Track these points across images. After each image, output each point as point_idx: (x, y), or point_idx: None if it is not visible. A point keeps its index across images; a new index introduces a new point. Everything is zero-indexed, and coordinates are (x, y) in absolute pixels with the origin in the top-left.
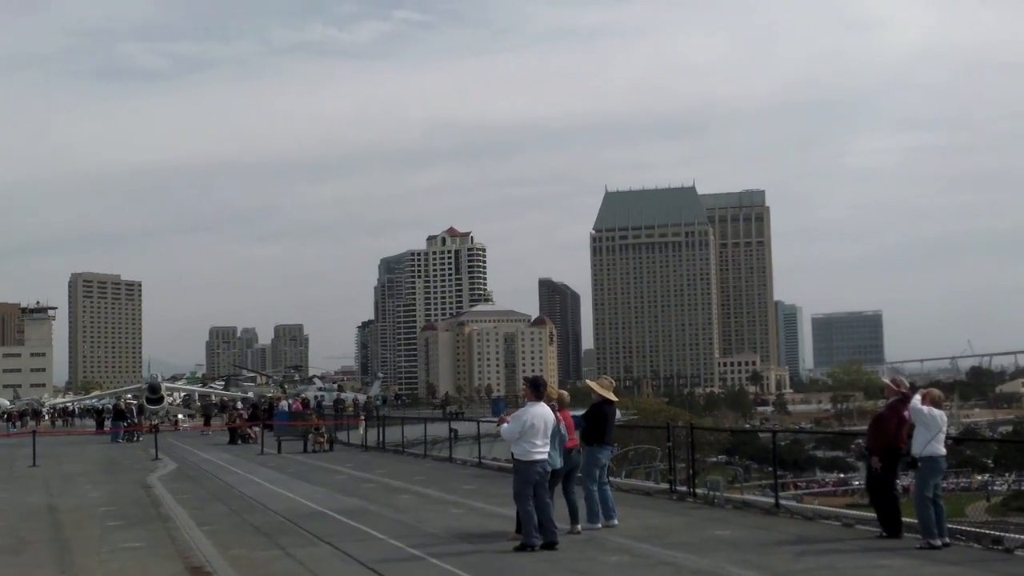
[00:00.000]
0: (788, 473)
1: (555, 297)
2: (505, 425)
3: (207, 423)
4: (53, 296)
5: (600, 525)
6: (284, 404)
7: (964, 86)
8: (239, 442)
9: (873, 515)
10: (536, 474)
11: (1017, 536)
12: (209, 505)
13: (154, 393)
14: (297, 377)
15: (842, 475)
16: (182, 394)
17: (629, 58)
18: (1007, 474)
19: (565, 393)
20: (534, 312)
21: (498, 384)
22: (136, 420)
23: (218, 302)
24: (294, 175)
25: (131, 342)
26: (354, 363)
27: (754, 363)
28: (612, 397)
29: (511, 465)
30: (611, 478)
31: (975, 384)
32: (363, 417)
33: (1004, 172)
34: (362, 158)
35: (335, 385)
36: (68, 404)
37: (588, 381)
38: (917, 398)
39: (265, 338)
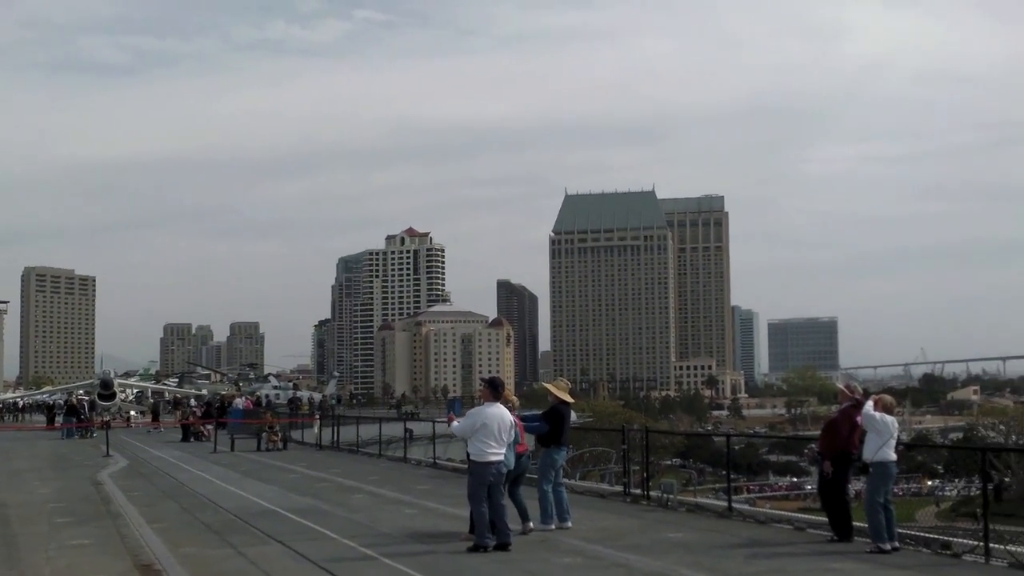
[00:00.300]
0: (741, 477)
1: (513, 299)
2: (456, 423)
3: (155, 419)
4: (5, 290)
5: (553, 526)
6: (238, 402)
7: (920, 97)
8: (192, 440)
9: (824, 519)
10: (491, 475)
11: (965, 541)
12: (160, 503)
13: (106, 389)
14: (252, 375)
15: (795, 479)
16: (135, 391)
17: (591, 62)
18: (957, 480)
19: (515, 398)
20: (492, 313)
21: (454, 385)
22: (88, 416)
23: (173, 299)
24: (253, 173)
25: (84, 338)
26: (310, 362)
27: (710, 367)
28: (568, 399)
29: (466, 466)
30: (565, 480)
31: (927, 391)
32: (318, 416)
33: (959, 183)
34: (321, 157)
35: (291, 384)
36: (17, 399)
37: (544, 383)
38: (869, 404)
39: (220, 335)
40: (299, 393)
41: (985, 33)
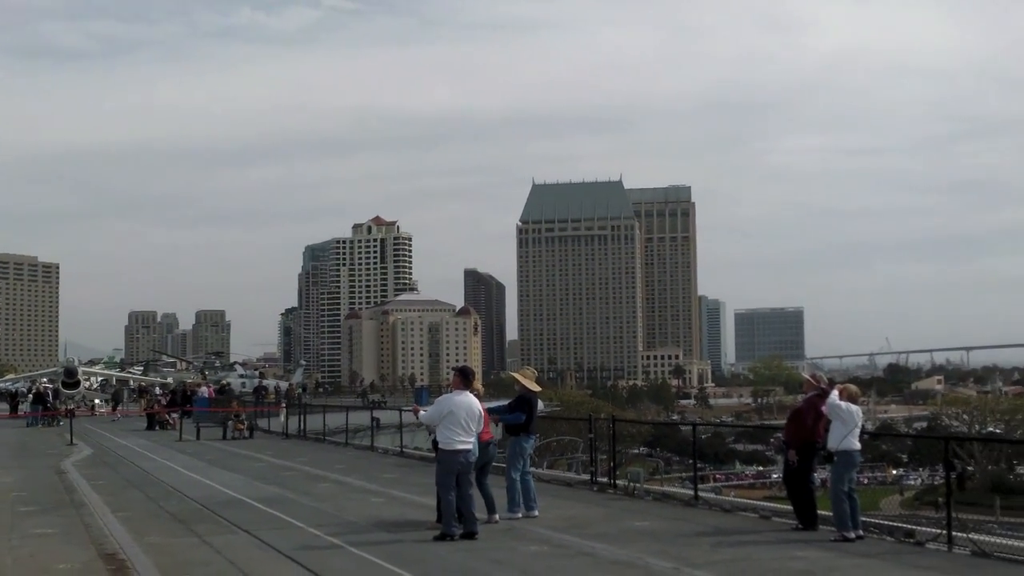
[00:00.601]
0: (708, 466)
1: (480, 288)
2: (423, 412)
3: (115, 408)
4: None
5: (520, 515)
6: (204, 390)
7: (886, 89)
8: (157, 428)
9: (790, 507)
10: (459, 463)
11: (928, 529)
12: (124, 492)
13: (70, 377)
14: (218, 363)
15: (761, 468)
16: (99, 379)
17: (557, 52)
18: (921, 469)
19: (480, 387)
20: (459, 302)
21: (422, 374)
22: (54, 405)
23: (138, 287)
24: (218, 160)
25: (48, 325)
26: (277, 350)
27: (677, 357)
28: (535, 388)
29: (433, 455)
30: (533, 468)
31: (892, 380)
32: (284, 405)
33: (923, 175)
34: (288, 145)
35: (257, 372)
36: None
37: (512, 372)
38: (835, 394)
39: (186, 323)
40: (265, 381)
41: (950, 27)
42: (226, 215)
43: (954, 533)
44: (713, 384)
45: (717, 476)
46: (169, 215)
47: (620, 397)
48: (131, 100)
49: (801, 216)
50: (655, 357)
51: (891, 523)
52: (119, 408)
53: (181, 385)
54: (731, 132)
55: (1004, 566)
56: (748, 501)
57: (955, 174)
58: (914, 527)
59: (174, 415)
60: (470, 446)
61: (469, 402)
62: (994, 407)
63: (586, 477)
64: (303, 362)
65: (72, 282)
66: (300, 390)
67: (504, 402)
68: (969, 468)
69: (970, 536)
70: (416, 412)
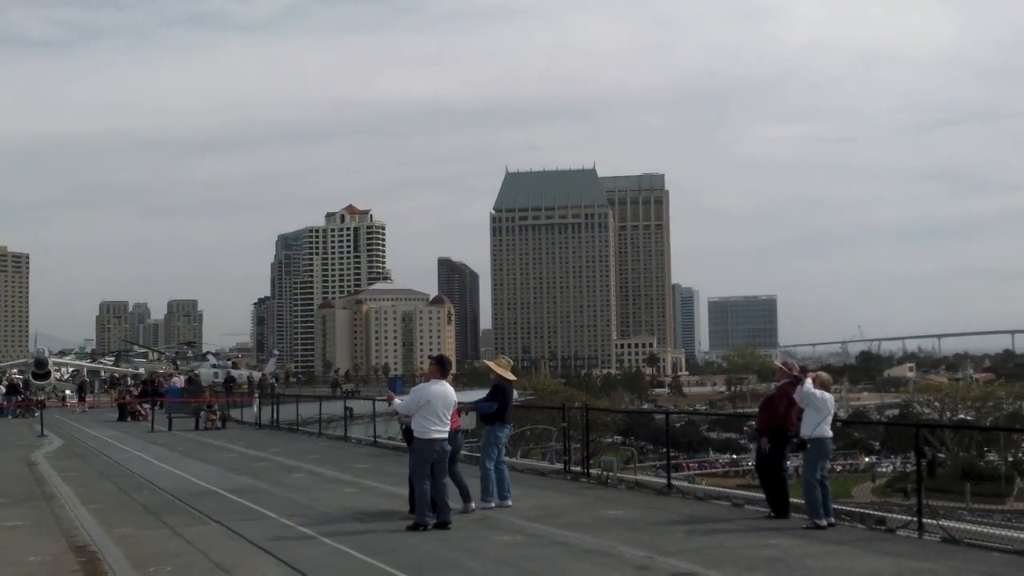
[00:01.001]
0: (682, 454)
1: (454, 276)
2: (397, 401)
3: (81, 399)
4: None
5: (494, 504)
6: (176, 381)
7: (858, 78)
8: (129, 419)
9: (762, 495)
10: (434, 452)
11: (899, 516)
12: (95, 483)
13: (41, 368)
14: (190, 353)
15: (734, 456)
16: (70, 370)
17: (532, 41)
18: (893, 456)
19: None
20: (433, 291)
21: (396, 363)
22: (27, 395)
23: (110, 276)
24: (189, 149)
25: (18, 316)
26: (250, 340)
27: (651, 345)
28: (510, 376)
29: (406, 444)
30: (507, 458)
31: (864, 368)
32: (257, 395)
33: (896, 163)
34: (260, 134)
35: (229, 362)
36: None
37: (486, 361)
38: (808, 382)
39: (158, 313)
40: (234, 371)
41: (922, 16)
42: (198, 204)
43: (924, 520)
44: (687, 372)
45: (690, 464)
46: (140, 204)
47: (594, 386)
48: (100, 89)
49: (774, 205)
50: (629, 345)
51: (862, 510)
52: (85, 399)
53: (152, 376)
54: (704, 121)
55: (973, 552)
56: (721, 489)
57: (927, 163)
58: (885, 514)
59: (146, 406)
60: (446, 435)
61: (445, 391)
62: (965, 394)
63: (560, 466)
64: (276, 352)
65: (42, 272)
66: (273, 380)
67: (480, 393)
68: (940, 455)
69: (940, 523)
70: (390, 400)
